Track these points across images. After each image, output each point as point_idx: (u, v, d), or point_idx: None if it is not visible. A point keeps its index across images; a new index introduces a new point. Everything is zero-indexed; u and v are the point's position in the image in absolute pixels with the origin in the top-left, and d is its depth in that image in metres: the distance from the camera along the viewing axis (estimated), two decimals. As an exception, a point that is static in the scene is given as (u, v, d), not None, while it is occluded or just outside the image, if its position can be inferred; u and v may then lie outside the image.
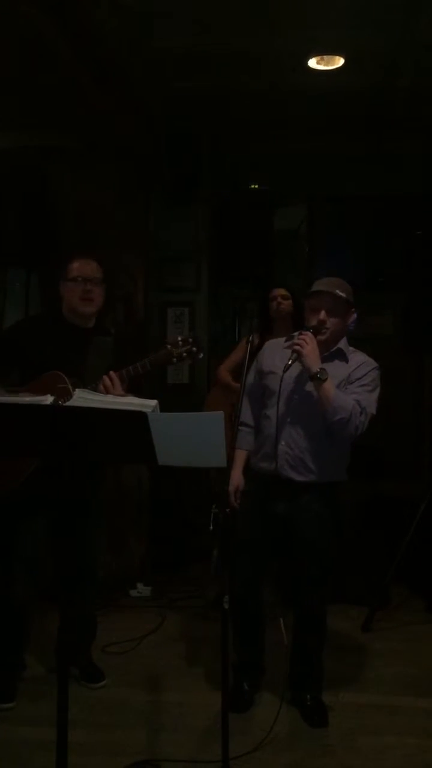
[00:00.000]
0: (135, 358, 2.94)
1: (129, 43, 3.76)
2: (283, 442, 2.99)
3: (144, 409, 1.99)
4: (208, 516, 2.72)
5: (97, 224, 4.35)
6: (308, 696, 3.08)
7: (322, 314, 2.97)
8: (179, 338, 2.90)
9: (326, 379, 2.85)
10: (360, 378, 2.99)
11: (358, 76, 4.10)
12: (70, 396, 2.71)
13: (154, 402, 2.03)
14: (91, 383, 2.89)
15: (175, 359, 2.88)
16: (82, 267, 3.17)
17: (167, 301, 5.13)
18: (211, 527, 2.66)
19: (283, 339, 3.14)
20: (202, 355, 2.91)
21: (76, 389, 2.10)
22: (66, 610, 2.34)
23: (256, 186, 5.30)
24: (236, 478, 3.11)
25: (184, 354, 2.87)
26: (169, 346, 2.88)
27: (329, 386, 2.86)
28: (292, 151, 5.18)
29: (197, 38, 3.72)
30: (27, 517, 3.08)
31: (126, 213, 4.56)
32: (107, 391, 2.82)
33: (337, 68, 4.01)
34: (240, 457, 3.17)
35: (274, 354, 3.11)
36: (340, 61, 3.95)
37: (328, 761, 2.74)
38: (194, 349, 2.88)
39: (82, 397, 2.05)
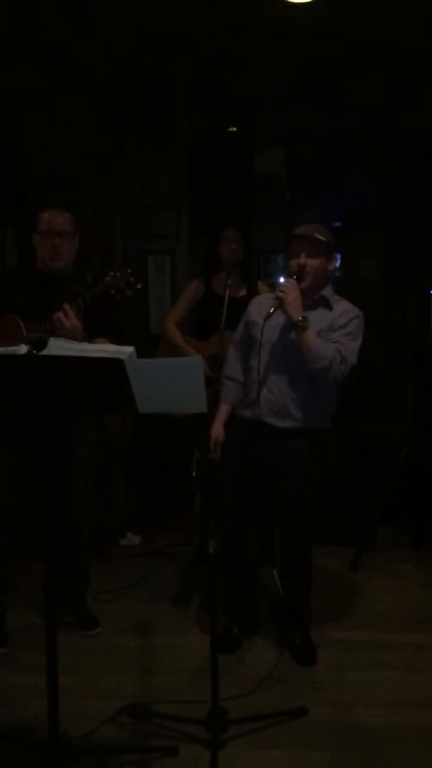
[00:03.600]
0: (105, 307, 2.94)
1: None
2: (265, 389, 2.99)
3: (120, 356, 1.96)
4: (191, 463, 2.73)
5: (69, 169, 4.24)
6: (297, 635, 3.13)
7: (302, 258, 2.96)
8: (118, 271, 2.90)
9: (307, 327, 2.85)
10: (343, 326, 2.99)
11: (335, 8, 3.97)
12: (23, 340, 2.78)
13: (130, 348, 2.00)
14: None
15: (113, 291, 2.88)
16: (51, 219, 3.12)
17: (147, 249, 5.04)
18: (194, 473, 2.67)
19: (271, 293, 3.12)
20: (140, 285, 2.90)
21: (51, 338, 2.06)
22: (50, 557, 2.35)
23: (234, 129, 5.18)
24: (217, 430, 3.11)
25: (122, 285, 2.88)
26: (108, 279, 2.90)
27: (310, 334, 2.87)
28: (270, 91, 5.04)
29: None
30: (2, 465, 3.09)
31: (100, 159, 4.43)
32: (61, 323, 2.84)
33: (313, 1, 3.88)
34: (223, 410, 3.16)
35: (261, 306, 3.09)
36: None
37: (317, 697, 2.80)
38: (132, 279, 2.88)
39: (57, 346, 2.02)
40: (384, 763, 2.44)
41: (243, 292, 3.74)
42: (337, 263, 3.33)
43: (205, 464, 2.57)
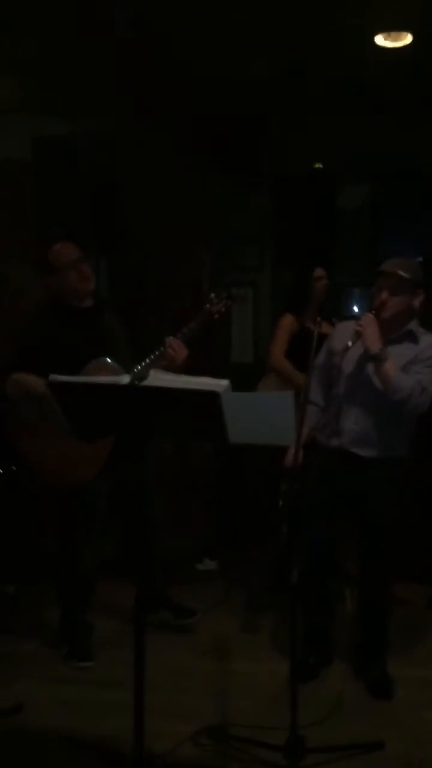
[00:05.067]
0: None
1: (190, 27, 3.82)
2: (351, 419, 3.07)
3: (216, 389, 2.07)
4: (275, 493, 2.80)
5: (162, 209, 4.41)
6: (374, 668, 3.13)
7: (384, 295, 3.05)
8: (213, 295, 3.09)
9: (385, 359, 2.91)
10: (426, 359, 3.06)
11: (425, 52, 4.07)
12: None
13: (226, 382, 2.10)
14: (122, 362, 3.03)
15: (216, 316, 3.06)
16: (66, 251, 3.21)
17: (231, 281, 5.17)
18: (281, 503, 2.74)
19: (348, 323, 3.21)
20: (232, 303, 3.12)
21: (151, 370, 2.19)
22: (140, 574, 2.48)
23: (319, 165, 5.30)
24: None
25: (223, 309, 3.07)
26: (207, 306, 3.06)
27: (389, 366, 2.95)
28: (353, 128, 5.14)
29: (258, 23, 3.75)
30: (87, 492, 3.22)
31: (190, 197, 4.60)
32: (173, 359, 2.96)
33: (404, 45, 3.99)
34: (303, 433, 3.22)
35: (344, 334, 3.17)
36: (407, 38, 3.94)
37: (393, 731, 2.79)
38: (230, 302, 3.08)
39: (157, 377, 2.14)
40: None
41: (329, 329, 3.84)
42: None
43: (292, 494, 2.64)
